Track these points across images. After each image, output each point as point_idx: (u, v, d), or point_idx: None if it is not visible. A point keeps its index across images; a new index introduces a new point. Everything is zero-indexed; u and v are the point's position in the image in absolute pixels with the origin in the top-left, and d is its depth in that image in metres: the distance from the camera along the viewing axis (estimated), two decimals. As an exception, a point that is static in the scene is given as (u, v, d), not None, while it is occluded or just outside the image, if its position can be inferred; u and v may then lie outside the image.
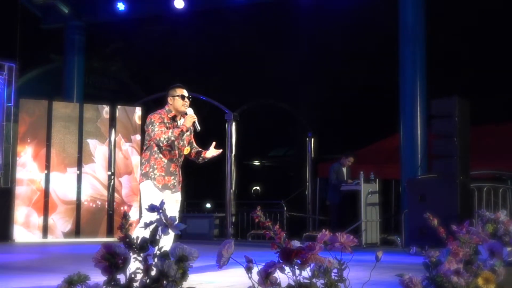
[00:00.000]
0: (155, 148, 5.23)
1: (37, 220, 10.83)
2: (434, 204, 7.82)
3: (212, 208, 15.37)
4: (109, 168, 11.50)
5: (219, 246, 2.49)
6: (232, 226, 11.81)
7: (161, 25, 16.11)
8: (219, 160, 7.98)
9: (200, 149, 5.51)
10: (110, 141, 11.55)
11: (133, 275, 2.28)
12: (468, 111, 8.45)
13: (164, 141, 5.14)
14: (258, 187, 19.77)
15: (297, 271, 2.44)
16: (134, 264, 2.34)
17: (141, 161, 5.68)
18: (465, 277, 2.96)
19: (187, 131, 5.27)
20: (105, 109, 11.62)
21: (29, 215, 10.79)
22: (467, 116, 8.42)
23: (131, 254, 2.30)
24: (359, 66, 15.56)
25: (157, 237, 2.37)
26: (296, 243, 2.50)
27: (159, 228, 2.38)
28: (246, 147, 13.83)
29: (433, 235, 3.32)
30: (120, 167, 11.54)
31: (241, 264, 2.46)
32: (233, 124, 11.72)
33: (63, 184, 11.11)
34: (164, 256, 2.33)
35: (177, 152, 5.31)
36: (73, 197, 11.18)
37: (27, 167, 10.92)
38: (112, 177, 11.49)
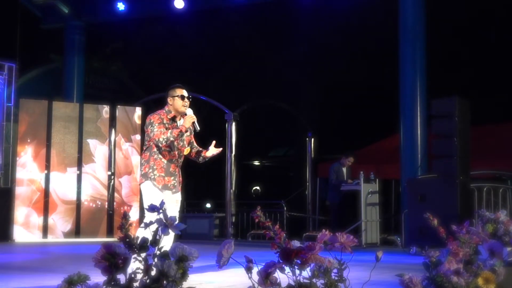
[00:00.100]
0: (155, 149, 5.22)
1: (37, 220, 10.83)
2: (434, 204, 7.83)
3: (212, 208, 15.37)
4: (109, 168, 11.51)
5: (219, 246, 2.48)
6: (232, 226, 11.81)
7: (161, 25, 16.11)
8: (219, 160, 8.00)
9: (201, 149, 5.50)
10: (110, 141, 11.56)
11: (133, 275, 2.27)
12: (468, 111, 8.45)
13: (163, 142, 5.12)
14: (258, 187, 19.76)
15: (297, 271, 2.44)
16: (134, 264, 2.34)
17: (141, 161, 5.67)
18: (465, 277, 2.96)
19: (186, 131, 5.25)
20: (105, 109, 11.62)
21: (29, 215, 10.79)
22: (467, 116, 8.42)
23: (131, 254, 2.30)
24: (359, 66, 15.55)
25: (158, 237, 2.37)
26: (296, 243, 2.49)
27: (159, 228, 2.38)
28: (246, 147, 13.82)
29: (433, 235, 3.31)
30: (120, 167, 11.54)
31: (241, 264, 2.45)
32: (233, 124, 11.72)
33: (63, 184, 11.11)
34: (164, 256, 2.33)
35: (176, 152, 5.29)
36: (73, 197, 11.19)
37: (27, 167, 10.92)
38: (112, 177, 11.49)
